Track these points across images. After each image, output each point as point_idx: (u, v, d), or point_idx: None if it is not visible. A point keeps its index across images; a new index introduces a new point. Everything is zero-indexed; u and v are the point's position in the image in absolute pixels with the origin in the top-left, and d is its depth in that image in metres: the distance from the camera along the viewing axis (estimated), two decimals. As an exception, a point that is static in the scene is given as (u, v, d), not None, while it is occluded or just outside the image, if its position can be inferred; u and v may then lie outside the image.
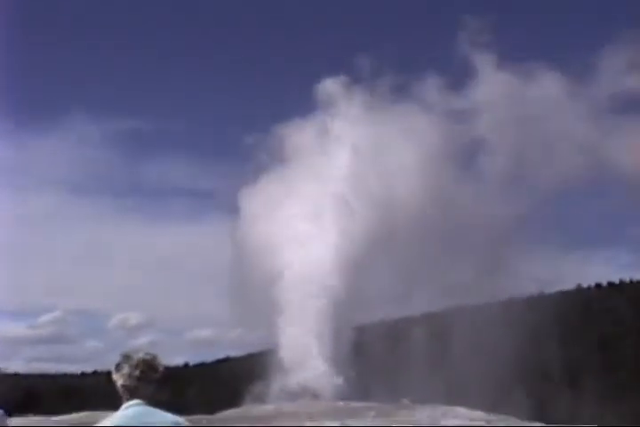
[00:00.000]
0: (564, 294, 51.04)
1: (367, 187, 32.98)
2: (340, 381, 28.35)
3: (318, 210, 32.14)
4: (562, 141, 37.84)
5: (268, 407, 24.53)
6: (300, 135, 34.85)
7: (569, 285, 56.04)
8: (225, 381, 49.21)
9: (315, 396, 27.38)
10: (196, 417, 21.51)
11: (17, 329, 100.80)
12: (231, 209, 35.68)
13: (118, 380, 3.34)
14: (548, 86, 37.25)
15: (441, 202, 34.13)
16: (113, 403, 3.60)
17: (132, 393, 3.31)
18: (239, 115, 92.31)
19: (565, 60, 62.61)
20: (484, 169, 37.25)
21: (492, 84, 36.93)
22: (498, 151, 36.54)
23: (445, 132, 35.41)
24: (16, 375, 68.32)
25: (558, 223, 46.05)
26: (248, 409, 25.28)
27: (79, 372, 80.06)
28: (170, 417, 3.30)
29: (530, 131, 37.69)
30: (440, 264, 34.24)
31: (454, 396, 28.52)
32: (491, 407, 23.12)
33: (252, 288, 32.25)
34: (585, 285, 60.72)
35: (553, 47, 73.78)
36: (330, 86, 35.42)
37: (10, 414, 9.50)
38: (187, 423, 3.32)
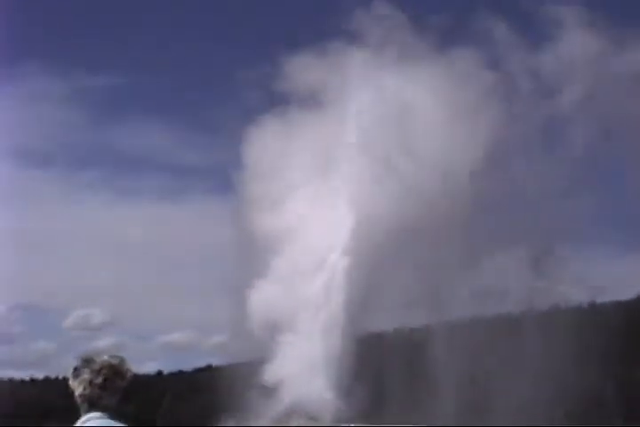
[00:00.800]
0: (621, 305, 50.96)
1: (396, 154, 31.60)
2: (341, 400, 28.34)
3: (324, 185, 31.34)
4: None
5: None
6: (310, 72, 33.27)
7: (627, 293, 55.95)
8: (204, 393, 49.42)
9: (310, 418, 27.45)
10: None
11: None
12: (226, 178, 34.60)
13: (76, 388, 3.33)
14: None
15: (492, 188, 33.12)
16: (69, 415, 3.61)
17: (93, 404, 3.31)
18: (232, 53, 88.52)
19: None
20: (557, 153, 35.39)
21: (578, 47, 35.30)
22: (579, 132, 34.62)
23: (513, 101, 33.94)
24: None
25: (619, 216, 45.23)
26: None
27: (28, 378, 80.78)
28: (137, 434, 3.31)
29: (621, 110, 36.26)
30: (472, 262, 33.64)
31: (483, 423, 28.58)
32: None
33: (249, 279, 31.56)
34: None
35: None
36: (359, 11, 33.24)
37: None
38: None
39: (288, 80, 32.88)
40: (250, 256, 31.64)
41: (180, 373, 76.91)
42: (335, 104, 32.61)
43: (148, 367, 79.91)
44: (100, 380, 3.31)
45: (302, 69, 33.02)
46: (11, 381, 77.87)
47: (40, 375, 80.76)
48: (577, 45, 35.23)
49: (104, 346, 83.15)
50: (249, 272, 31.31)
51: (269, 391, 28.42)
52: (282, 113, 33.17)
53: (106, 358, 3.36)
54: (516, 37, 34.69)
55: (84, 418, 3.32)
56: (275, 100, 33.88)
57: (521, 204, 34.75)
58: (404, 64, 32.97)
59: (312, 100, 32.92)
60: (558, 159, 34.69)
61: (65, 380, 3.42)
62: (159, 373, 78.41)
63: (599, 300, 50.90)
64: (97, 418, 3.30)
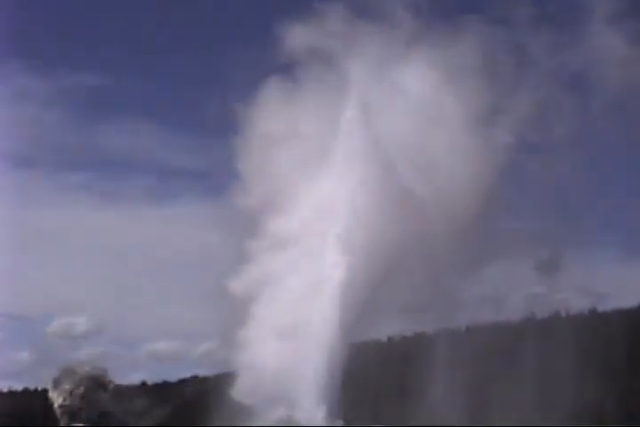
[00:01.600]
0: (622, 314, 51.00)
1: (399, 148, 30.46)
2: (328, 411, 28.15)
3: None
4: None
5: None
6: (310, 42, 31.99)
7: (629, 301, 55.99)
8: (190, 404, 49.37)
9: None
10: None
11: None
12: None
13: (56, 399, 3.37)
14: None
15: (497, 192, 32.89)
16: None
17: (74, 416, 3.34)
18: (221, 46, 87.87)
19: None
20: (563, 156, 34.28)
21: (608, 45, 33.89)
22: (588, 135, 33.91)
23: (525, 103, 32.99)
24: None
25: (621, 218, 44.79)
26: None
27: (6, 389, 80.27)
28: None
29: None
30: (473, 269, 33.33)
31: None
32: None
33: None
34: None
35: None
36: None
37: None
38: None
39: (288, 49, 31.59)
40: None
41: (165, 384, 76.60)
42: (338, 78, 32.09)
43: (131, 378, 79.48)
44: (81, 391, 3.33)
45: (301, 39, 31.75)
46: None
47: (19, 387, 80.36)
48: (608, 40, 33.91)
49: (87, 356, 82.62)
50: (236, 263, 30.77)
51: (246, 408, 28.03)
52: (283, 85, 32.19)
53: (87, 369, 3.37)
54: (541, 26, 33.65)
55: (65, 431, 3.33)
56: (275, 71, 33.00)
57: (525, 208, 34.66)
58: (413, 45, 31.95)
59: (313, 74, 32.22)
60: (565, 162, 34.60)
61: (45, 392, 3.43)
62: (143, 383, 78.04)
63: (601, 308, 51.03)
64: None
